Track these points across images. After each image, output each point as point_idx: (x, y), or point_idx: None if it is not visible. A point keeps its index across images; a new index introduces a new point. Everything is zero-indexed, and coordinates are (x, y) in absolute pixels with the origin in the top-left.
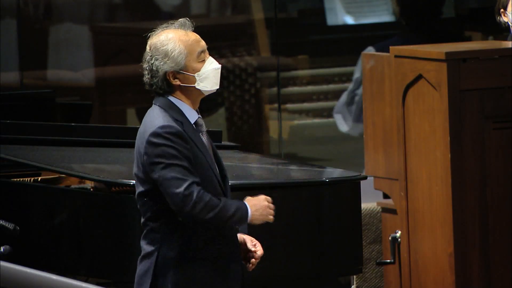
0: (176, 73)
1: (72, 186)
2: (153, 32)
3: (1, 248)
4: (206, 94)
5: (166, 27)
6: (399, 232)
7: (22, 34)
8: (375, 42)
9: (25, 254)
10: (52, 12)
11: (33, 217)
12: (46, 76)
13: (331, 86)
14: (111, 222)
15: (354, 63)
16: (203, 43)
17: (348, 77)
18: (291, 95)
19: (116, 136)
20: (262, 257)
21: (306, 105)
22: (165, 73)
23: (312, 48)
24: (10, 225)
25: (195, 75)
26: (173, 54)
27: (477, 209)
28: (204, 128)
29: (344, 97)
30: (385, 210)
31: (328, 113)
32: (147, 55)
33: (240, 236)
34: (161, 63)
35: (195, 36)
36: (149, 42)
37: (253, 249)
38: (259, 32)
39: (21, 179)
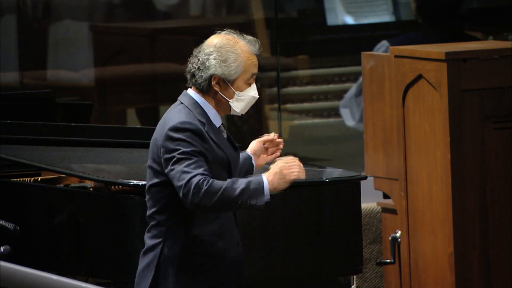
0: (222, 81)
1: (72, 186)
2: (222, 31)
3: (1, 248)
4: (232, 113)
5: (236, 35)
6: (399, 232)
7: (22, 34)
8: (375, 42)
9: (25, 254)
10: (52, 12)
11: (33, 217)
12: (46, 76)
13: (331, 86)
14: (111, 222)
15: (354, 63)
16: (257, 69)
17: (348, 77)
18: (291, 95)
19: (116, 136)
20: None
21: (306, 105)
22: (213, 75)
23: (312, 48)
24: (10, 225)
25: (236, 92)
26: (232, 64)
27: (477, 209)
28: (225, 135)
29: (353, 89)
30: (385, 210)
31: (328, 113)
32: (208, 48)
33: (250, 148)
34: (216, 64)
35: (255, 59)
36: (215, 38)
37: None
38: (259, 32)
39: (21, 179)
